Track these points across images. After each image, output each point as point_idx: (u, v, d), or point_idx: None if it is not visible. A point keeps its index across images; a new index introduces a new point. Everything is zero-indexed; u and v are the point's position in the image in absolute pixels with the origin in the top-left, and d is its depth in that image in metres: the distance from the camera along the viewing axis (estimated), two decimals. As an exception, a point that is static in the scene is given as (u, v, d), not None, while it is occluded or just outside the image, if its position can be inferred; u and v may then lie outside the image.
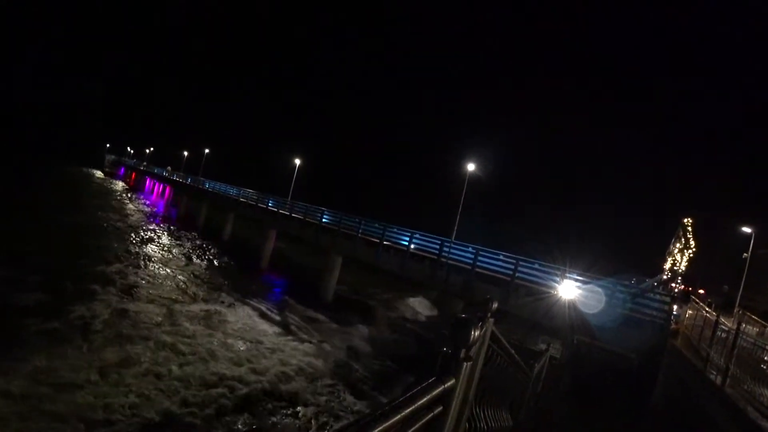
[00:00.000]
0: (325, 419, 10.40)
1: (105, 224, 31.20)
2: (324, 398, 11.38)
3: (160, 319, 14.10)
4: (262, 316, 17.32)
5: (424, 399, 1.03)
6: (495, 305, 2.62)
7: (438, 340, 17.83)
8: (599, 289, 12.08)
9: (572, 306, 12.14)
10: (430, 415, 1.08)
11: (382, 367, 14.78)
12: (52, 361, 9.61)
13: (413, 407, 0.96)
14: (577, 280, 12.48)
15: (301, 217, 25.98)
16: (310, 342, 15.10)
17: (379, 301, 24.54)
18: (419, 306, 25.63)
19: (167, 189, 57.00)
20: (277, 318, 17.53)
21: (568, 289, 12.25)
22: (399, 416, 0.90)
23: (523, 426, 6.32)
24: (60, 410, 8.09)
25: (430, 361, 1.28)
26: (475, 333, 1.29)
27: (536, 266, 13.92)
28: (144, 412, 8.72)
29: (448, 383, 1.18)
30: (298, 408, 10.58)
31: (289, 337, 15.31)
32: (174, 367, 10.87)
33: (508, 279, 13.80)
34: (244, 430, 9.19)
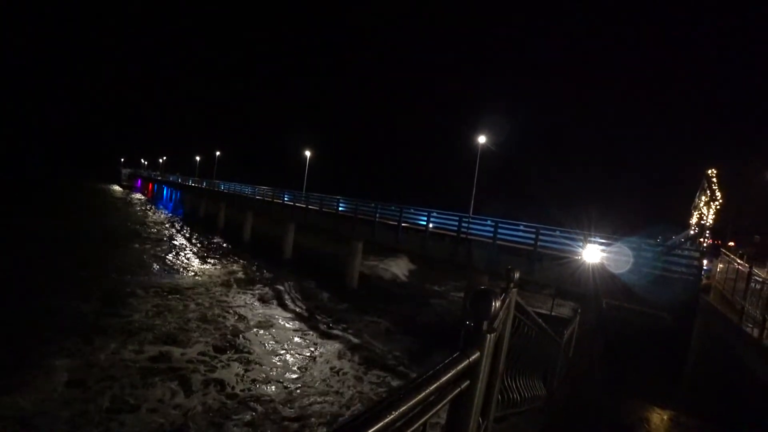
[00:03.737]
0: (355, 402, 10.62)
1: (133, 236, 32.14)
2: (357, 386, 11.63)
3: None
4: (283, 304, 18.01)
5: (449, 374, 1.03)
6: (517, 275, 2.60)
7: (463, 315, 17.86)
8: (626, 250, 11.84)
9: (598, 269, 11.96)
10: (456, 390, 1.09)
11: (412, 344, 14.94)
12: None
13: (438, 383, 0.97)
14: (601, 243, 12.26)
15: (317, 208, 26.19)
16: (338, 333, 15.32)
17: (407, 288, 24.75)
18: (447, 288, 25.79)
19: (185, 196, 57.99)
20: (302, 307, 18.00)
21: (593, 253, 12.06)
22: (424, 393, 0.91)
23: (558, 394, 6.34)
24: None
25: (456, 336, 1.28)
26: (497, 304, 1.28)
27: (557, 233, 13.67)
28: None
29: (473, 356, 1.18)
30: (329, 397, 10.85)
31: (308, 327, 15.67)
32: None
33: (531, 248, 13.65)
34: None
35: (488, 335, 1.18)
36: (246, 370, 11.28)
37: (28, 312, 13.07)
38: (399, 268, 29.24)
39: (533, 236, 13.67)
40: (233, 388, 10.25)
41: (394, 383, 11.74)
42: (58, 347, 10.97)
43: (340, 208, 24.60)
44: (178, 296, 17.09)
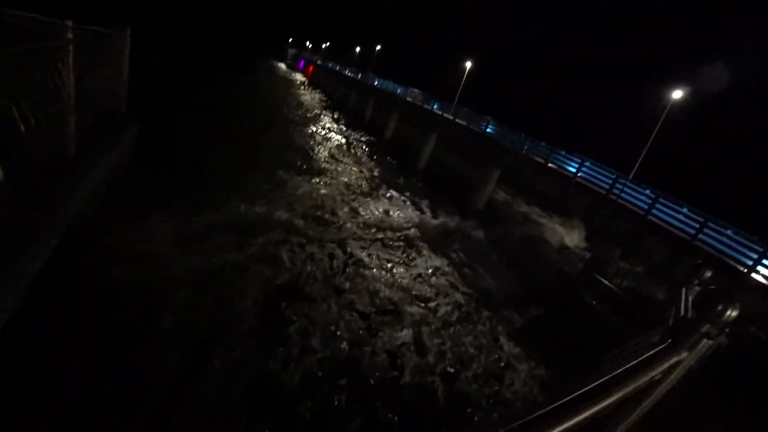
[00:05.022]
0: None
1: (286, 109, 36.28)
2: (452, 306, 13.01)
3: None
4: (412, 207, 19.80)
5: (653, 371, 1.38)
6: (708, 274, 2.58)
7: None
8: None
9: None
10: (645, 382, 1.46)
11: (513, 287, 15.51)
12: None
13: (644, 379, 1.41)
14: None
15: (465, 124, 26.10)
16: (452, 252, 16.63)
17: (531, 222, 24.47)
18: (569, 237, 24.76)
19: (339, 84, 60.94)
20: (425, 212, 19.60)
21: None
22: (630, 383, 1.41)
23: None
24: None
25: (644, 317, 1.46)
26: (732, 313, 1.46)
27: (729, 233, 11.51)
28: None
29: (680, 356, 1.41)
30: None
31: (428, 232, 17.22)
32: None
33: (688, 239, 12.24)
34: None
35: (704, 339, 1.29)
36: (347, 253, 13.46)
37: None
38: (571, 236, 26.77)
39: (697, 226, 12.09)
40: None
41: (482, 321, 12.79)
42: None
43: (488, 130, 24.24)
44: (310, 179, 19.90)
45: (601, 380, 1.30)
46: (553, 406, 1.13)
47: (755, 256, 10.76)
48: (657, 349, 1.45)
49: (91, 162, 5.44)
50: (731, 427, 4.27)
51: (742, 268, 10.90)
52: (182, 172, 13.97)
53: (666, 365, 1.37)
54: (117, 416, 5.84)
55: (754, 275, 10.70)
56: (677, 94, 17.74)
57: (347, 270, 12.04)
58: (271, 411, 6.82)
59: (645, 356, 1.38)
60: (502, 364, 10.32)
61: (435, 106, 30.88)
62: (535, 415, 1.18)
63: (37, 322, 5.43)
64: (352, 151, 27.99)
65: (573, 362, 10.37)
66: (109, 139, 6.33)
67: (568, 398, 1.17)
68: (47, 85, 4.25)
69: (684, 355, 1.37)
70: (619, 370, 1.36)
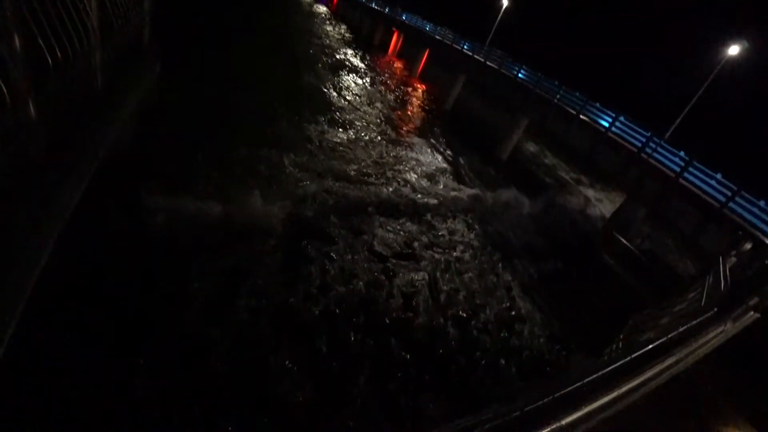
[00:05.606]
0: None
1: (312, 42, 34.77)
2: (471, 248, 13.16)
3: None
4: (436, 153, 19.46)
5: (699, 340, 1.42)
6: (749, 246, 2.72)
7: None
8: None
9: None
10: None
11: (531, 240, 15.51)
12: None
13: (691, 348, 1.41)
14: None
15: (496, 67, 24.75)
16: (471, 188, 16.61)
17: (556, 180, 23.89)
18: (596, 195, 24.14)
19: (365, 17, 57.27)
20: (449, 160, 19.28)
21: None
22: (678, 350, 1.44)
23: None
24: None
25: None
26: None
27: (762, 204, 10.99)
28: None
29: (725, 326, 1.45)
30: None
31: (452, 179, 17.13)
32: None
33: (717, 207, 11.74)
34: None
35: (752, 312, 1.41)
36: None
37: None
38: (597, 193, 25.29)
39: (729, 194, 11.56)
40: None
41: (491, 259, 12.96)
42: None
43: (519, 76, 22.96)
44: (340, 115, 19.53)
45: (648, 347, 1.35)
46: (602, 372, 1.19)
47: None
48: (703, 317, 1.48)
49: (120, 99, 5.42)
50: (743, 403, 4.37)
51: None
52: (207, 111, 13.86)
53: (711, 335, 1.40)
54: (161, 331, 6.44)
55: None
56: (733, 50, 15.97)
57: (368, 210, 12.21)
58: (292, 341, 7.33)
59: (693, 324, 1.40)
60: (513, 313, 10.64)
61: (465, 46, 29.15)
62: (587, 380, 1.23)
63: (81, 248, 5.87)
64: (379, 90, 27.07)
65: (587, 320, 10.68)
66: (134, 74, 6.24)
67: (615, 365, 1.22)
68: (72, 18, 4.12)
69: (728, 325, 1.40)
70: (664, 338, 1.37)
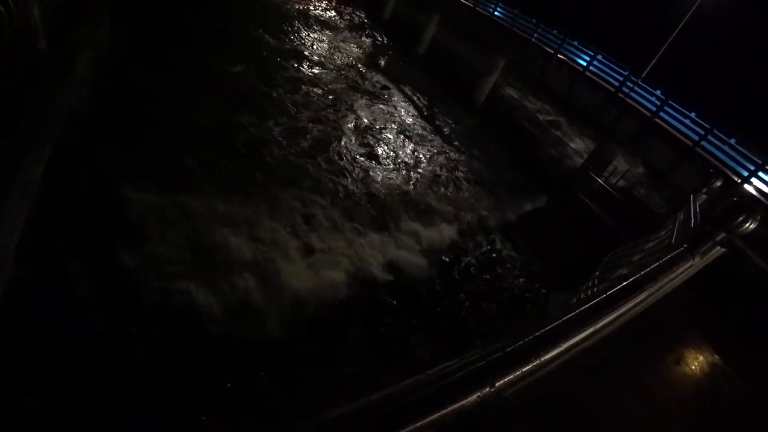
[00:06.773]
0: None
1: None
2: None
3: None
4: (410, 102, 19.10)
5: (670, 275, 1.46)
6: (719, 183, 2.64)
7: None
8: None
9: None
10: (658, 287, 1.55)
11: (513, 176, 15.83)
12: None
13: (663, 282, 1.43)
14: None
15: (471, 5, 23.64)
16: (450, 144, 16.50)
17: (534, 124, 23.78)
18: (573, 134, 24.33)
19: None
20: (424, 109, 19.00)
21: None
22: (650, 286, 1.44)
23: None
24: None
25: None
26: (751, 225, 1.50)
27: (732, 142, 11.33)
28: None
29: (693, 261, 1.48)
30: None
31: (430, 128, 16.99)
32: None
33: (690, 145, 11.96)
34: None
35: (719, 247, 1.42)
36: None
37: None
38: (574, 133, 24.87)
39: (702, 133, 11.78)
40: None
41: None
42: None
43: (496, 14, 22.04)
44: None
45: (624, 284, 1.37)
46: (579, 311, 1.22)
47: (752, 168, 10.79)
48: (674, 253, 1.51)
49: (69, 58, 5.00)
50: (705, 329, 4.77)
51: (736, 178, 11.01)
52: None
53: (681, 269, 1.45)
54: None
55: (746, 186, 10.86)
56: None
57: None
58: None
59: (664, 260, 1.43)
60: (494, 255, 11.00)
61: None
62: (564, 319, 1.28)
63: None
64: (342, 29, 25.61)
65: (565, 258, 11.15)
66: (82, 31, 5.71)
67: (590, 304, 1.25)
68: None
69: (697, 260, 1.44)
70: (639, 275, 1.41)
